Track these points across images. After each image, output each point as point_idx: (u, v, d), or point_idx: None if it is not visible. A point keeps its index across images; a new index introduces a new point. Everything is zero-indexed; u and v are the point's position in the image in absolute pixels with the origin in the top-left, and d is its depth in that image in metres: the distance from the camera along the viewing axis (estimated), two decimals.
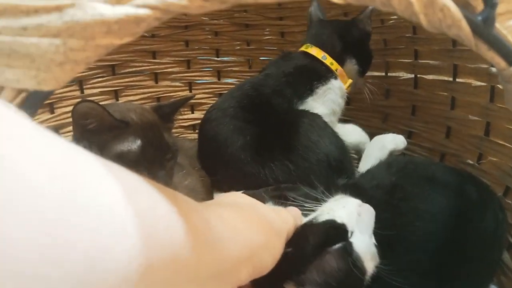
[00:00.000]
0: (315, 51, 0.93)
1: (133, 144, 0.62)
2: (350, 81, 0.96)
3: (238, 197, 0.43)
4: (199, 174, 0.82)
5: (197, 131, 1.18)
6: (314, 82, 0.90)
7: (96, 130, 0.62)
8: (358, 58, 0.96)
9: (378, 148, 0.89)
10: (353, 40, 0.95)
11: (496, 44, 0.26)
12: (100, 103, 0.61)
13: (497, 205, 0.67)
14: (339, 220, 0.47)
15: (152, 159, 0.64)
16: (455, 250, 0.59)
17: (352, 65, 0.96)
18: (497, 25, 0.26)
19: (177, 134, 1.17)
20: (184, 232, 0.24)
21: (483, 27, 0.25)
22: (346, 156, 0.86)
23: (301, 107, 0.89)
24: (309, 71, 0.91)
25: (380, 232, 0.51)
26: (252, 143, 0.80)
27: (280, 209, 0.46)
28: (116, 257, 0.19)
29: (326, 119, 0.88)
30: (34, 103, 0.21)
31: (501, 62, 0.26)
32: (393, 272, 0.48)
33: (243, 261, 0.33)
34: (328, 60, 0.92)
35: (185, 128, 1.18)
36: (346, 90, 0.94)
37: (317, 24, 0.99)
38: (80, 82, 1.03)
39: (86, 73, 1.03)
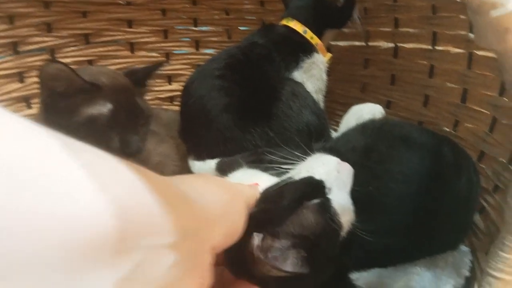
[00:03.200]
0: (296, 25, 0.93)
1: (104, 108, 0.61)
2: (329, 55, 0.97)
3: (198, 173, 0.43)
4: (174, 141, 0.81)
5: (175, 102, 1.17)
6: (300, 54, 0.90)
7: (65, 93, 0.60)
8: (337, 25, 0.97)
9: (355, 118, 0.89)
10: (330, 14, 0.95)
11: None
12: None
13: (472, 168, 0.67)
14: (317, 177, 0.46)
15: (125, 124, 0.63)
16: (428, 212, 0.60)
17: (331, 33, 0.98)
18: None
19: (154, 106, 1.15)
20: (155, 193, 0.24)
21: None
22: (325, 123, 0.86)
23: None
24: (294, 44, 0.91)
25: (355, 195, 0.51)
26: (236, 105, 0.79)
27: (235, 183, 0.46)
28: (86, 224, 0.18)
29: (313, 96, 0.88)
30: None
31: None
32: (368, 232, 0.48)
33: (216, 219, 0.33)
34: (309, 35, 0.93)
35: (162, 100, 1.16)
36: (327, 64, 0.95)
37: None
38: (51, 51, 0.99)
39: (57, 42, 0.99)
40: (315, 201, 0.44)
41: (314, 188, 0.45)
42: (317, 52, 0.93)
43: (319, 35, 0.94)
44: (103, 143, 0.61)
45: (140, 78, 0.69)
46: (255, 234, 0.40)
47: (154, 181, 0.25)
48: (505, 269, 0.36)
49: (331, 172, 0.47)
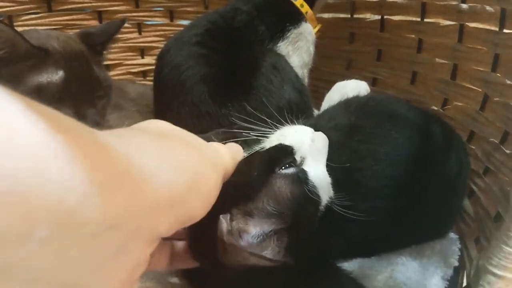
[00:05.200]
0: None
1: (54, 76, 0.53)
2: (319, 26, 0.90)
3: (163, 123, 0.34)
4: (142, 117, 0.74)
5: (147, 78, 1.10)
6: (287, 24, 0.83)
7: (8, 59, 0.52)
8: None
9: (339, 95, 0.83)
10: None
11: None
12: None
13: (462, 148, 0.62)
14: (287, 143, 0.41)
15: (79, 95, 0.55)
16: (415, 195, 0.55)
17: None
18: None
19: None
20: (73, 167, 0.17)
21: None
22: (308, 101, 0.81)
23: None
24: (281, 10, 0.84)
25: (335, 177, 0.45)
26: (214, 75, 0.73)
27: (214, 144, 0.38)
28: None
29: (298, 71, 0.83)
30: None
31: None
32: (347, 207, 0.43)
33: (167, 206, 0.25)
34: (299, 2, 0.85)
35: (134, 75, 1.08)
36: (315, 36, 0.89)
37: None
38: (9, 18, 0.91)
39: (16, 8, 0.91)
40: (290, 171, 0.38)
41: (283, 152, 0.40)
42: (305, 21, 0.86)
43: (312, 1, 0.87)
44: None
45: (98, 43, 0.61)
46: (221, 217, 0.34)
47: (78, 142, 0.18)
48: (509, 266, 0.31)
49: (304, 140, 0.42)
